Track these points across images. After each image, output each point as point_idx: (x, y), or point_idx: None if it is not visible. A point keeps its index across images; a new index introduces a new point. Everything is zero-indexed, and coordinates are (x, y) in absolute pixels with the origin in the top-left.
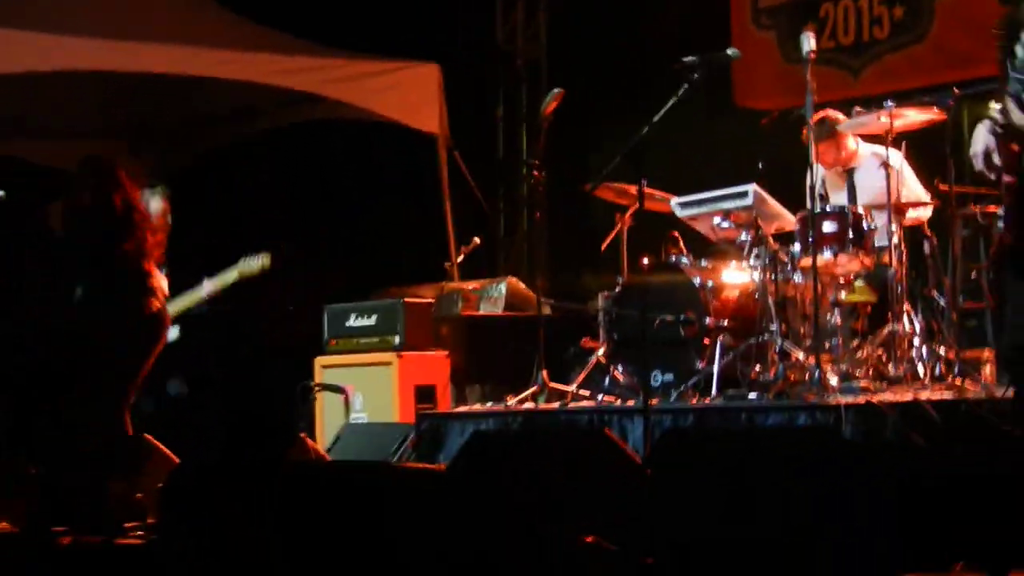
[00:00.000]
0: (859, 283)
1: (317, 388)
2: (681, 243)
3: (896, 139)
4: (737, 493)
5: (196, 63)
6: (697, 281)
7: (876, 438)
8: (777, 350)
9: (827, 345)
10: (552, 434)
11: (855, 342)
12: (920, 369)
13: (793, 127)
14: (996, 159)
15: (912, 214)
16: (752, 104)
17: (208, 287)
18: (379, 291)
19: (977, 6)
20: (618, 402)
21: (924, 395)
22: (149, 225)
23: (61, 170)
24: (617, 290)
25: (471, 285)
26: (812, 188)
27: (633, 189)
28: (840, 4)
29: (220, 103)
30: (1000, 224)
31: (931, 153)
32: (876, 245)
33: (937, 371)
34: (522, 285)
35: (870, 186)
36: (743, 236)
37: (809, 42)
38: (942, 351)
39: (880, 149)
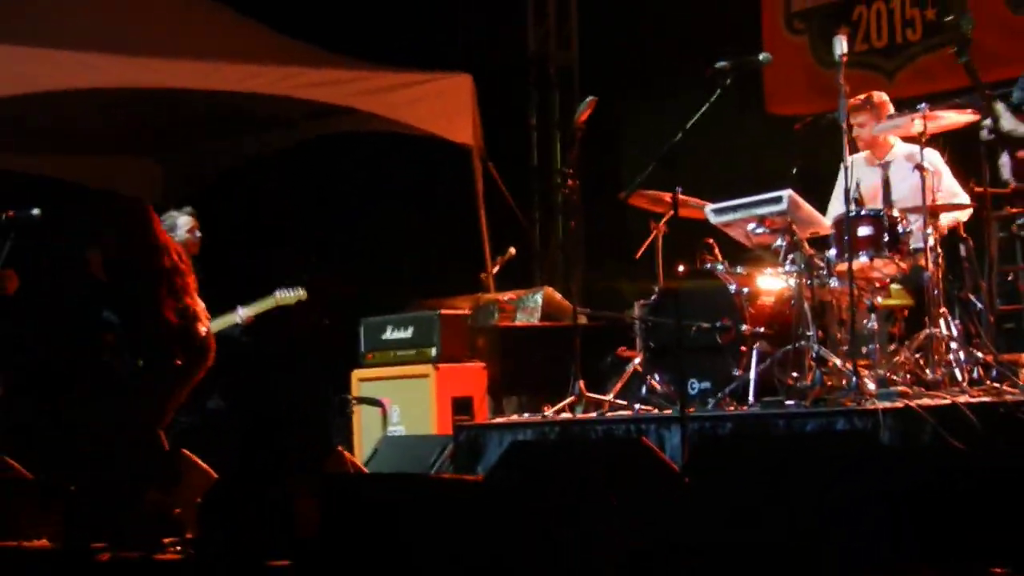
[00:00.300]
0: (895, 287)
1: (354, 401)
2: (716, 250)
3: (936, 141)
4: (774, 498)
5: (226, 78)
6: (733, 288)
7: (914, 442)
8: (814, 356)
9: (864, 350)
10: (590, 444)
11: (892, 347)
12: (958, 373)
13: (826, 131)
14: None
15: (948, 217)
16: (784, 111)
17: (243, 313)
18: (415, 303)
19: (1008, 6)
20: (655, 411)
21: (962, 399)
22: (182, 262)
23: (91, 187)
24: (653, 298)
25: (507, 296)
26: (847, 191)
27: (667, 196)
28: (873, 6)
29: (251, 117)
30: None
31: (970, 155)
32: (912, 248)
33: (975, 375)
34: (558, 295)
35: (905, 187)
36: (778, 242)
37: (842, 45)
38: (980, 355)
39: (915, 150)
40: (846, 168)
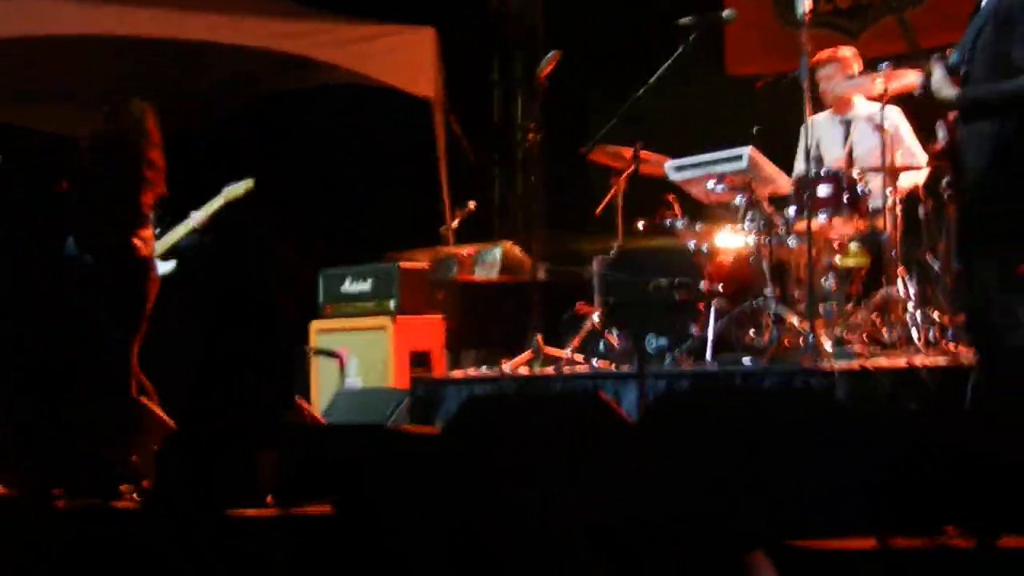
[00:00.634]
0: (854, 247)
1: (312, 352)
2: (676, 207)
3: (899, 101)
4: (731, 455)
5: (186, 27)
6: (692, 245)
7: (869, 402)
8: (771, 314)
9: (821, 309)
10: (547, 399)
11: (849, 306)
12: (914, 333)
13: (788, 91)
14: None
15: (908, 178)
16: (745, 71)
17: (196, 217)
18: (374, 256)
19: None
20: (613, 366)
21: (918, 360)
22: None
23: (53, 134)
24: (612, 254)
25: (466, 250)
26: (807, 151)
27: (628, 152)
28: None
29: (212, 69)
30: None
31: (936, 116)
32: (871, 208)
33: (931, 336)
34: (517, 250)
35: (866, 147)
36: (738, 200)
37: (805, 3)
38: (936, 316)
39: (876, 110)
40: (806, 128)
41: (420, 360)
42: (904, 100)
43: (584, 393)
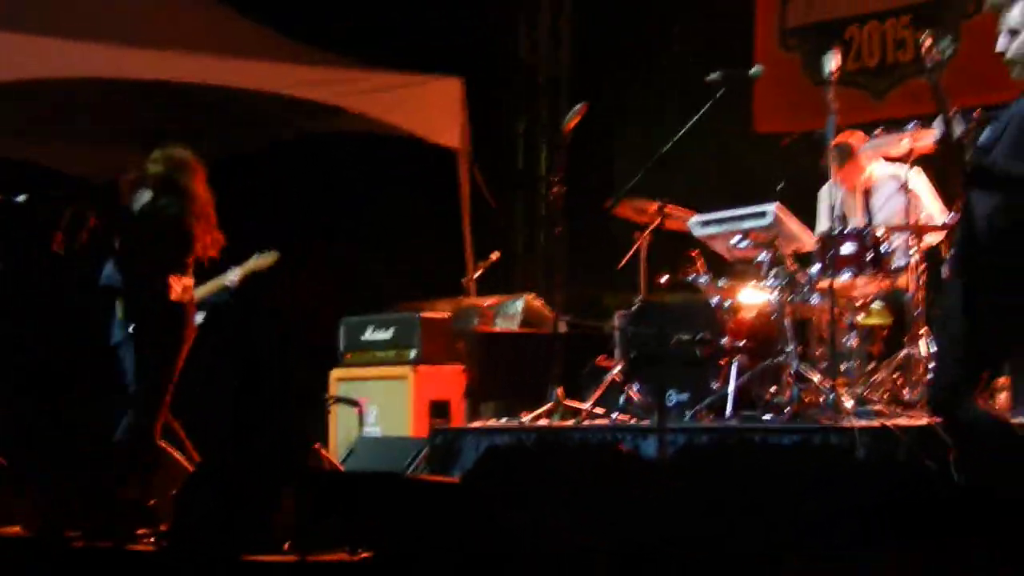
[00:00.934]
0: (876, 306)
1: (331, 400)
2: (700, 262)
3: (917, 161)
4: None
5: (217, 72)
6: (715, 301)
7: (889, 461)
8: (793, 372)
9: (843, 368)
10: (566, 450)
11: (871, 365)
12: None
13: (814, 148)
14: None
15: (929, 238)
16: (773, 129)
17: (231, 276)
18: (396, 305)
19: None
20: (633, 421)
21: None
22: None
23: (79, 176)
24: (634, 308)
25: (488, 301)
26: (832, 209)
27: (653, 207)
28: (866, 26)
29: (240, 113)
30: None
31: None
32: (894, 267)
33: None
34: (539, 302)
35: (888, 207)
36: (761, 256)
37: (832, 62)
38: None
39: (900, 170)
40: (830, 186)
41: (439, 410)
42: (926, 161)
43: (602, 444)
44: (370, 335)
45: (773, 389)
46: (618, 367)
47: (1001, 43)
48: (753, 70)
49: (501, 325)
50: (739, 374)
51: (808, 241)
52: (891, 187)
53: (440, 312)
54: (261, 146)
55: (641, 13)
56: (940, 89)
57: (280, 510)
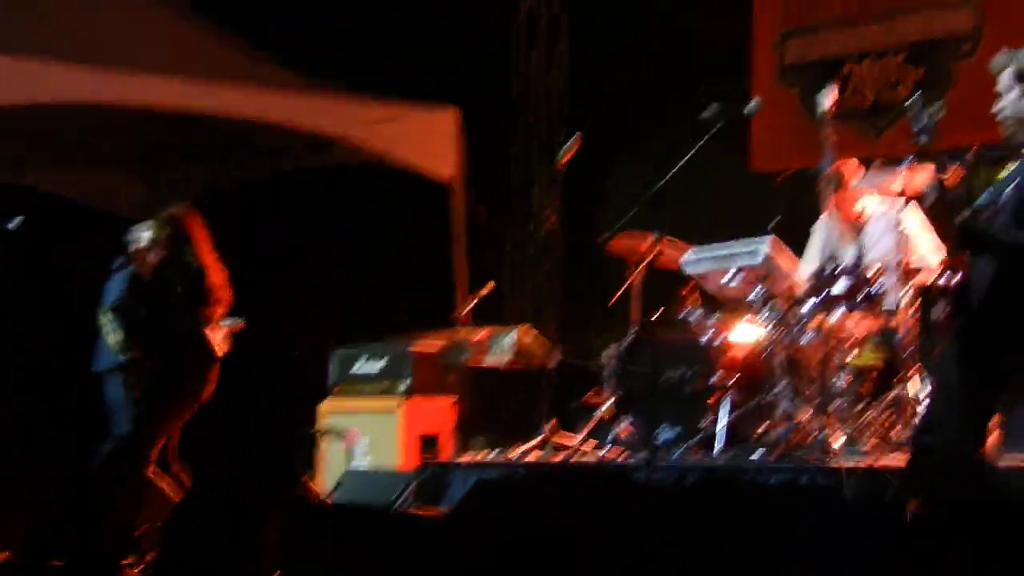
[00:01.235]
0: (868, 346)
1: (319, 433)
2: (692, 297)
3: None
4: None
5: (213, 100)
6: (706, 337)
7: (876, 502)
8: (783, 410)
9: (832, 407)
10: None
11: (861, 405)
12: None
13: (808, 184)
14: None
15: (922, 276)
16: (769, 167)
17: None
18: (388, 337)
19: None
20: (624, 456)
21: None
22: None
23: (73, 201)
24: (626, 343)
25: (480, 333)
26: (824, 247)
27: (647, 242)
28: (863, 63)
29: (234, 142)
30: None
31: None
32: (886, 307)
33: None
34: (531, 335)
35: (881, 245)
36: (754, 294)
37: (829, 97)
38: None
39: (893, 208)
40: (824, 224)
41: (429, 443)
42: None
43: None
44: (361, 367)
45: (763, 427)
46: (609, 402)
47: (995, 107)
48: (750, 106)
49: (493, 358)
50: (729, 411)
51: (797, 284)
52: (883, 224)
53: (431, 345)
54: (256, 176)
55: (637, 46)
56: (931, 153)
57: (268, 540)
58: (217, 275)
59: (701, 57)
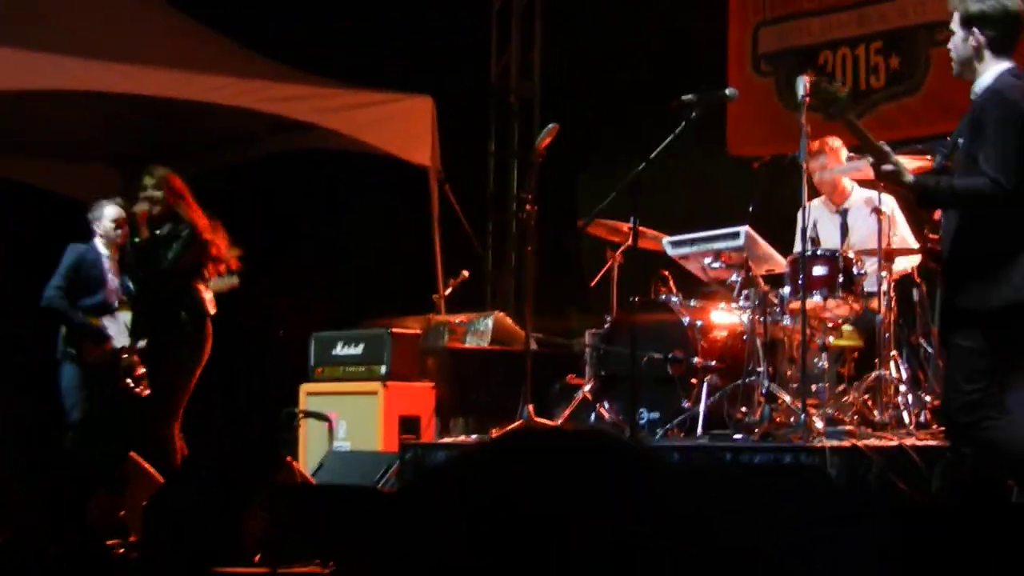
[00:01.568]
0: (847, 328)
1: (301, 415)
2: (671, 282)
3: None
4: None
5: (189, 88)
6: (686, 320)
7: (860, 481)
8: (763, 392)
9: (813, 389)
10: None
11: (841, 387)
12: (905, 416)
13: (786, 170)
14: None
15: (901, 261)
16: (746, 152)
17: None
18: (366, 321)
19: None
20: None
21: (909, 441)
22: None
23: (47, 191)
24: (606, 327)
25: (458, 318)
26: (804, 231)
27: (625, 227)
28: (838, 52)
29: (211, 129)
30: None
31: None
32: (865, 291)
33: (922, 418)
34: (509, 320)
35: (862, 230)
36: (733, 277)
37: (804, 85)
38: (927, 399)
39: (873, 194)
40: (804, 208)
41: (409, 426)
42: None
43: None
44: (340, 350)
45: (744, 409)
46: (588, 385)
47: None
48: (728, 92)
49: (471, 342)
50: (710, 394)
51: (779, 263)
52: (865, 210)
53: (410, 328)
54: (233, 162)
55: (612, 36)
56: (854, 125)
57: (251, 522)
58: (210, 234)
59: (676, 44)
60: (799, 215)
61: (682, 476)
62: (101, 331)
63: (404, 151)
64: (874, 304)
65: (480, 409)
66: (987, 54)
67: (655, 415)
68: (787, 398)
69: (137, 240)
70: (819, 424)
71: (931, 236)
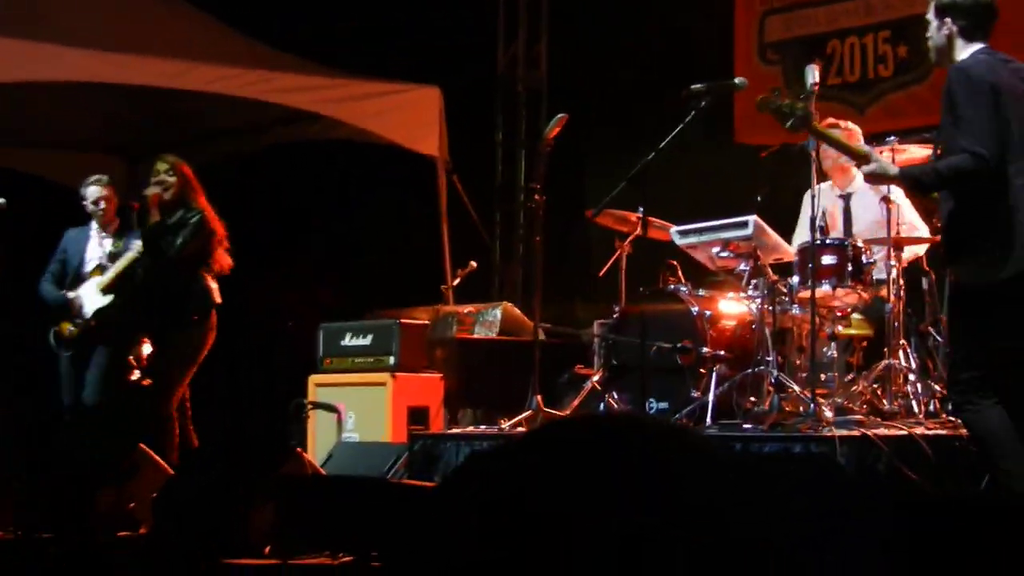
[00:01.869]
0: (856, 317)
1: (310, 406)
2: (679, 271)
3: None
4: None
5: (197, 78)
6: (695, 310)
7: (870, 471)
8: (772, 381)
9: (822, 378)
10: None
11: (850, 376)
12: (914, 405)
13: (793, 160)
14: None
15: (909, 250)
16: (753, 140)
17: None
18: (375, 312)
19: None
20: None
21: (918, 430)
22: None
23: (55, 182)
24: (614, 317)
25: (466, 308)
26: (813, 220)
27: (633, 216)
28: (846, 41)
29: (219, 119)
30: None
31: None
32: (874, 280)
33: (931, 407)
34: (516, 310)
35: (869, 219)
36: (742, 266)
37: (813, 75)
38: (936, 388)
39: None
40: (813, 196)
41: (418, 417)
42: None
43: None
44: (348, 341)
45: (753, 399)
46: (597, 375)
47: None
48: (738, 81)
49: (479, 333)
50: (719, 383)
51: (787, 252)
52: (871, 197)
53: (419, 319)
54: (240, 153)
55: (620, 26)
56: (822, 133)
57: (260, 514)
58: (218, 224)
59: (682, 34)
60: (804, 202)
61: (710, 462)
62: (70, 302)
63: (412, 142)
64: (883, 293)
65: (489, 400)
66: (960, 42)
67: (664, 405)
68: (796, 387)
69: (148, 225)
70: (828, 413)
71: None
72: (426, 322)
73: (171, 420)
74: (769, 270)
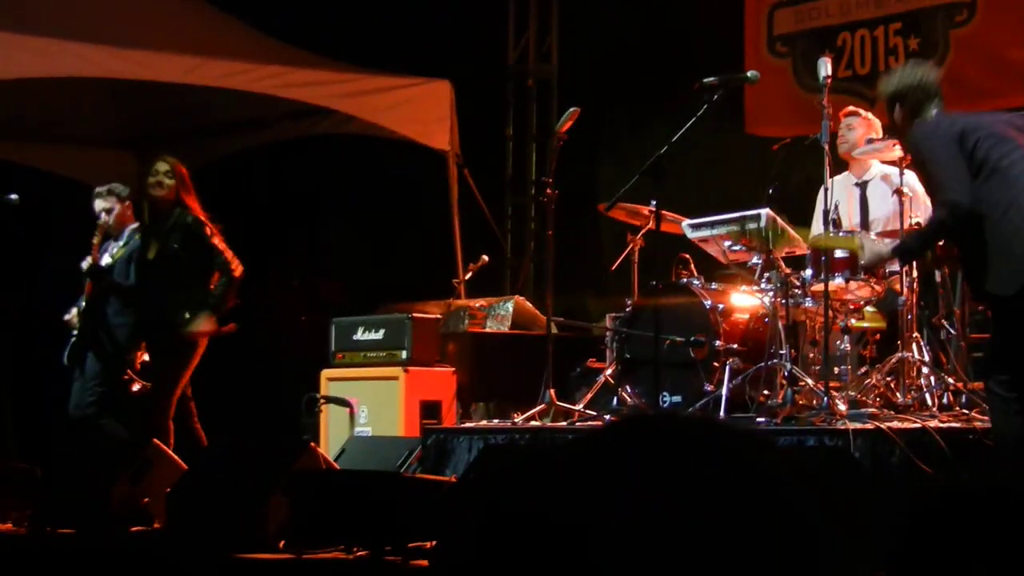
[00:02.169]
0: (869, 310)
1: (322, 400)
2: (692, 265)
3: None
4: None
5: (208, 74)
6: (708, 303)
7: (884, 464)
8: (786, 375)
9: (836, 371)
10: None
11: (863, 369)
12: (928, 398)
13: (805, 153)
14: None
15: None
16: (763, 132)
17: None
18: (387, 306)
19: (992, 40)
20: None
21: (932, 423)
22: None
23: (65, 176)
24: (627, 310)
25: (478, 302)
26: (826, 213)
27: (645, 210)
28: (857, 33)
29: (230, 114)
30: None
31: None
32: (887, 272)
33: (945, 400)
34: (528, 304)
35: (883, 210)
36: (754, 259)
37: (826, 67)
38: (950, 381)
39: (893, 171)
40: (826, 190)
41: (430, 411)
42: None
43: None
44: (361, 336)
45: (766, 392)
46: (610, 369)
47: None
48: (750, 74)
49: (491, 327)
50: (732, 377)
51: (799, 245)
52: (885, 188)
53: (431, 313)
54: (252, 148)
55: (630, 19)
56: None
57: (274, 509)
58: (216, 234)
59: (692, 29)
60: (819, 196)
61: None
62: (67, 322)
63: (423, 136)
64: (896, 286)
65: (501, 393)
66: (914, 121)
67: (677, 399)
68: (809, 381)
69: (142, 228)
70: (842, 406)
71: None
72: (438, 316)
73: (168, 432)
74: (781, 263)
